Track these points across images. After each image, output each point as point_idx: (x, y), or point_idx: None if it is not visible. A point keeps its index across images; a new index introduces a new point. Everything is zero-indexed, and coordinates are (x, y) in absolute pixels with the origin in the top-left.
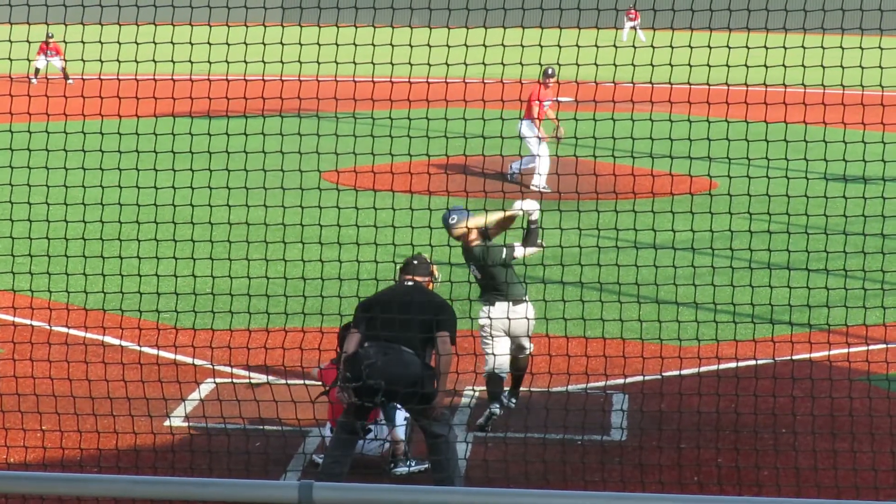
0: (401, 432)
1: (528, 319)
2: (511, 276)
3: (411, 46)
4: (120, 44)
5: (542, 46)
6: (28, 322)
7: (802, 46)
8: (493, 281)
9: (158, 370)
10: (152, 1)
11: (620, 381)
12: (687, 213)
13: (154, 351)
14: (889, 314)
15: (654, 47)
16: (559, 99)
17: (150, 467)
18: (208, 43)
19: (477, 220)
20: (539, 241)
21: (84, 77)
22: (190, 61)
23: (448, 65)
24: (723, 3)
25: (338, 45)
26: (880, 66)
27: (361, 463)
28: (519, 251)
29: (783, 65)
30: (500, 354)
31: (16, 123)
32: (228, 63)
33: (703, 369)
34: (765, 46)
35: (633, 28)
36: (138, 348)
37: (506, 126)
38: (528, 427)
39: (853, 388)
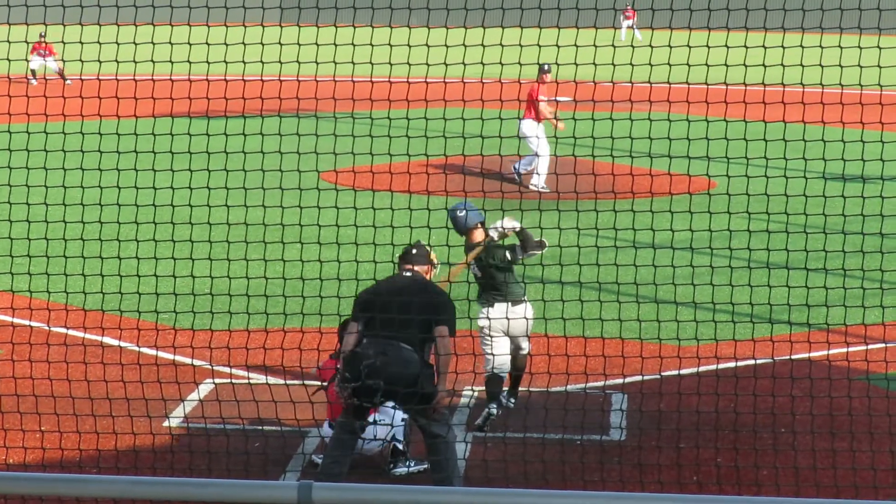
0: (399, 432)
1: (526, 319)
2: (510, 277)
3: (409, 46)
4: (118, 44)
5: (540, 46)
6: (27, 323)
7: (801, 46)
8: (493, 281)
9: (157, 371)
10: (150, 1)
11: (619, 380)
12: (685, 212)
13: (153, 351)
14: (888, 313)
15: (652, 47)
16: (558, 99)
17: (149, 468)
18: (206, 43)
19: (489, 233)
20: (537, 240)
21: (82, 77)
22: (188, 61)
23: (446, 65)
24: (721, 3)
25: (336, 45)
26: (879, 66)
27: (361, 463)
28: (521, 253)
29: (782, 64)
30: (499, 355)
31: (14, 124)
32: (227, 63)
33: (701, 369)
34: (763, 46)
35: (630, 27)
36: (137, 349)
37: (504, 126)
38: (527, 427)
39: (852, 387)
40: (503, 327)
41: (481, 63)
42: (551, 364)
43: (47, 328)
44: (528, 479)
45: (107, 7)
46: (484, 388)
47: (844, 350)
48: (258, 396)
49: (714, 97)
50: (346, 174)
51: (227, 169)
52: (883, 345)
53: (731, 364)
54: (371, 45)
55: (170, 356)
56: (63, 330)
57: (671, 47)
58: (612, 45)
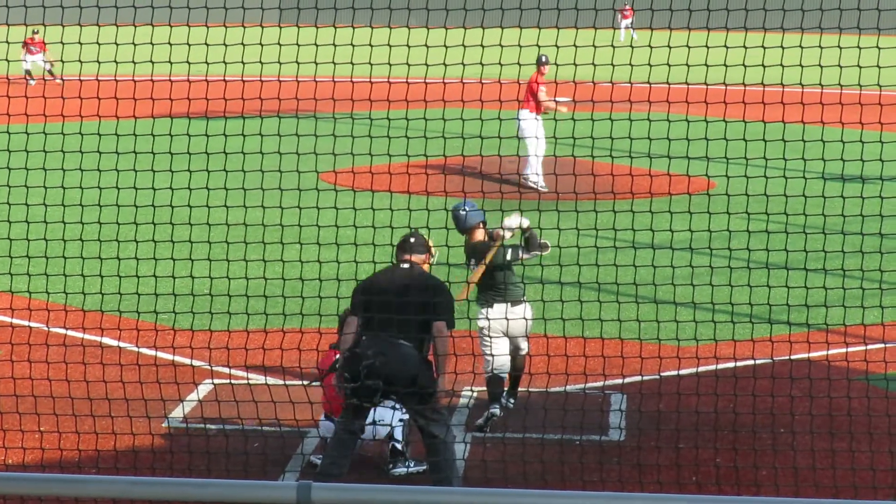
0: (398, 433)
1: (526, 320)
2: (510, 277)
3: (409, 47)
4: (117, 45)
5: (539, 46)
6: (26, 323)
7: (800, 46)
8: (493, 281)
9: (156, 371)
10: (150, 2)
11: (618, 381)
12: (685, 212)
13: (152, 352)
14: (887, 314)
15: (651, 47)
16: (557, 99)
17: (149, 468)
18: (206, 44)
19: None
20: (540, 241)
21: (81, 78)
22: (187, 62)
23: (446, 65)
24: (720, 3)
25: (335, 46)
26: (878, 66)
27: (360, 463)
28: (523, 253)
29: (781, 64)
30: (499, 355)
31: (13, 125)
32: (226, 64)
33: (701, 369)
34: (762, 46)
35: (628, 27)
36: (136, 349)
37: (503, 126)
38: (527, 427)
39: (851, 387)
40: (502, 328)
41: (480, 63)
42: (550, 364)
43: (46, 329)
44: (527, 480)
45: (106, 8)
46: (485, 389)
47: (843, 350)
48: (257, 397)
49: (713, 97)
50: (346, 175)
51: (227, 169)
52: (882, 345)
53: (731, 364)
54: (370, 45)
55: (169, 357)
56: (62, 330)
57: (670, 47)
58: (612, 46)
